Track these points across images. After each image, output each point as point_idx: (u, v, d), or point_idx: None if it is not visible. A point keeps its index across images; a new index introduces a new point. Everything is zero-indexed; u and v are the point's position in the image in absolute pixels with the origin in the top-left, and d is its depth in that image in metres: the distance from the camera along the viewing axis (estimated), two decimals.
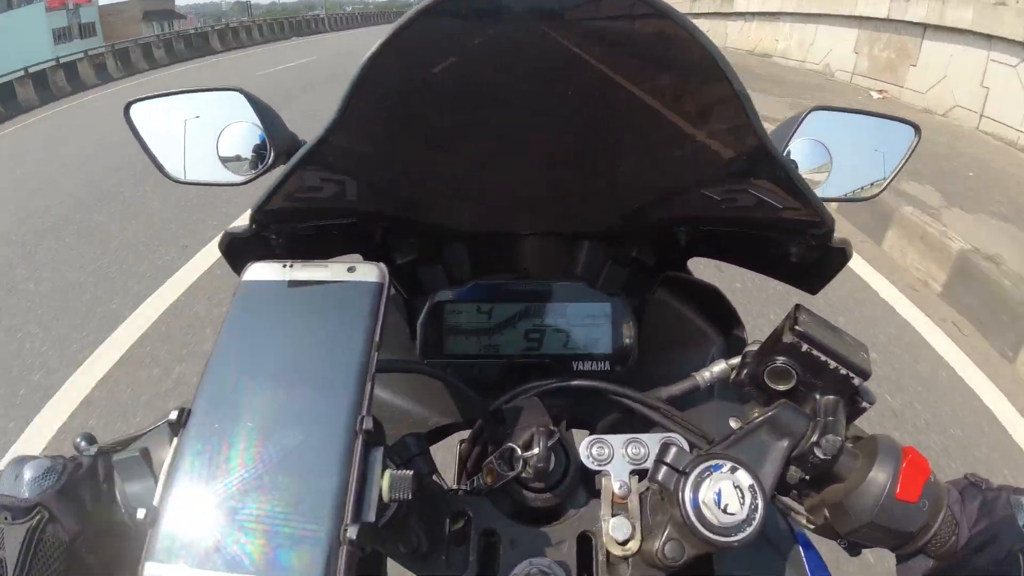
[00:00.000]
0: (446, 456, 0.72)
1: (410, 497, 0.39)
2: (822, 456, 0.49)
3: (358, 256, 0.74)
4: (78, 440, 0.59)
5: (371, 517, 0.37)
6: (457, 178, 0.59)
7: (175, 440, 0.39)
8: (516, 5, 0.40)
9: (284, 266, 0.45)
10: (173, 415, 0.39)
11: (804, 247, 0.59)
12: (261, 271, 0.45)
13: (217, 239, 0.55)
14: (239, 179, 0.80)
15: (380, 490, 0.38)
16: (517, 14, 0.40)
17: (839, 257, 0.56)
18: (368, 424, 0.38)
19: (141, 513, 0.37)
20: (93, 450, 0.57)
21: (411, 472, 0.40)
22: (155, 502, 0.37)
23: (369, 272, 0.44)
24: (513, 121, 0.50)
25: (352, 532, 0.35)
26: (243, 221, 0.55)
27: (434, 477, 0.57)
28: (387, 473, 0.39)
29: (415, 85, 0.46)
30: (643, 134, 0.51)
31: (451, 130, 0.51)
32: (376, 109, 0.46)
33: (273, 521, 0.35)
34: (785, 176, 0.48)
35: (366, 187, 0.58)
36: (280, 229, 0.57)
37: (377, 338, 0.41)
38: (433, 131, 0.51)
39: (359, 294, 0.43)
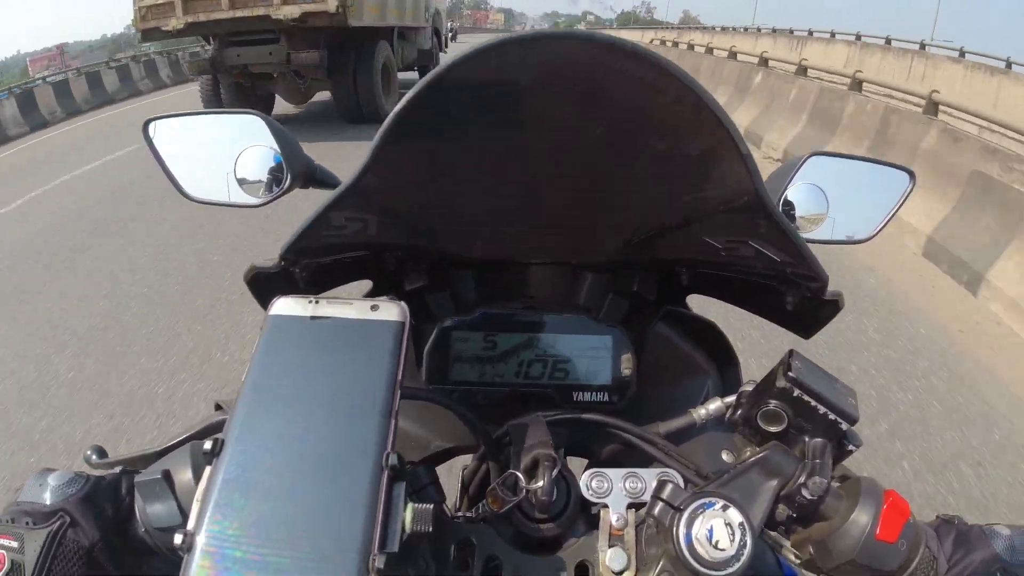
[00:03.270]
0: (449, 477, 0.74)
1: (431, 530, 0.41)
2: (809, 496, 0.52)
3: (369, 283, 0.76)
4: (88, 453, 0.61)
5: (395, 548, 0.40)
6: (472, 213, 0.61)
7: (207, 469, 0.41)
8: (529, 72, 0.42)
9: (309, 302, 0.47)
10: (207, 445, 0.42)
11: (799, 297, 0.61)
12: (287, 306, 0.48)
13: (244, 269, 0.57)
14: (254, 201, 0.82)
15: (403, 522, 0.41)
16: (530, 79, 0.43)
17: (832, 307, 0.59)
18: (393, 460, 0.41)
19: (178, 539, 0.39)
20: (105, 463, 0.59)
21: (431, 506, 0.42)
22: (189, 527, 0.39)
23: (391, 311, 0.47)
24: (528, 162, 0.53)
25: (380, 562, 0.37)
26: (270, 258, 0.57)
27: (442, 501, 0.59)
28: (409, 506, 0.42)
29: (439, 134, 0.48)
30: (649, 182, 0.54)
31: (471, 172, 0.54)
32: (402, 156, 0.48)
33: (303, 550, 0.38)
34: (784, 234, 0.51)
35: (387, 224, 0.60)
36: (304, 264, 0.59)
37: (400, 376, 0.44)
38: (454, 173, 0.54)
39: (382, 332, 0.46)
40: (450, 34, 21.59)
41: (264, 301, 0.51)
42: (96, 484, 0.50)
